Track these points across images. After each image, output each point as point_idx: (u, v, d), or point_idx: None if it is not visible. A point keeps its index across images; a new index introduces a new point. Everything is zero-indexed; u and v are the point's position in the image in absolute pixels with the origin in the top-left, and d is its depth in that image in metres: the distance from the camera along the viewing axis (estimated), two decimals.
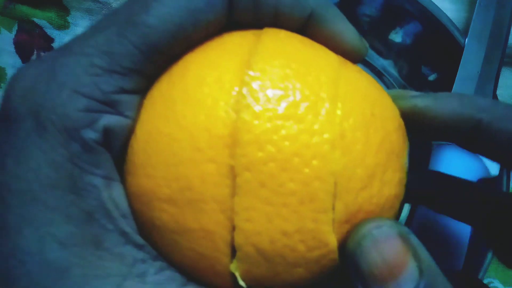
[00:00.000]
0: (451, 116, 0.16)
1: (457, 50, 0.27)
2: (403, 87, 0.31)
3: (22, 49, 0.30)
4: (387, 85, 0.31)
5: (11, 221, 0.13)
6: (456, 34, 0.27)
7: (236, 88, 0.13)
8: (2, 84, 0.31)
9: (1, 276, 0.13)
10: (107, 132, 0.14)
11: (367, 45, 0.17)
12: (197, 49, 0.15)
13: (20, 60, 0.30)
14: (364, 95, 0.15)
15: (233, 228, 0.13)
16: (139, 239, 0.14)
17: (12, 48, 0.30)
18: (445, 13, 0.27)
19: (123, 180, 0.15)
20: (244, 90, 0.13)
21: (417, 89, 0.31)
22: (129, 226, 0.14)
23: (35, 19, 0.30)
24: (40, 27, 0.30)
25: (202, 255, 0.14)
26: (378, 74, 0.31)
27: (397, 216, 0.16)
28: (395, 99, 0.16)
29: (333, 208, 0.13)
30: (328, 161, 0.13)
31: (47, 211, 0.13)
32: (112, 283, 0.13)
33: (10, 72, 0.30)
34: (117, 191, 0.14)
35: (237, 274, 0.14)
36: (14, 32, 0.30)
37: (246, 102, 0.13)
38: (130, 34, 0.14)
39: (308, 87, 0.14)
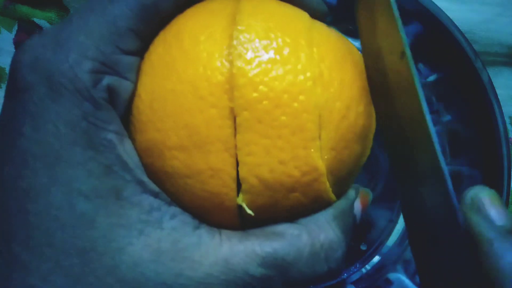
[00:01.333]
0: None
1: (457, 50, 0.27)
2: None
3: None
4: None
5: (38, 182, 0.14)
6: (457, 34, 0.27)
7: (227, 41, 0.15)
8: (2, 84, 0.31)
9: (40, 231, 0.14)
10: (110, 92, 0.15)
11: (326, 7, 0.20)
12: (184, 14, 0.17)
13: None
14: (334, 41, 0.17)
15: (237, 164, 0.15)
16: (154, 187, 0.16)
17: (12, 48, 0.30)
18: (445, 13, 0.27)
19: (131, 141, 0.16)
20: (235, 42, 0.15)
21: None
22: (144, 175, 0.16)
23: (35, 19, 0.30)
24: (40, 27, 0.30)
25: (212, 193, 0.15)
26: None
27: (369, 147, 0.19)
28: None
29: (320, 137, 0.16)
30: (312, 95, 0.15)
31: (71, 169, 0.14)
32: (134, 231, 0.15)
33: None
34: (129, 145, 0.16)
35: (244, 205, 0.15)
36: (14, 32, 0.30)
37: (237, 52, 0.15)
38: None
39: (288, 35, 0.16)
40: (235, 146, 0.15)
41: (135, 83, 0.16)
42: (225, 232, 0.16)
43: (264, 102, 0.15)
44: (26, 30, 0.30)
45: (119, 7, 0.15)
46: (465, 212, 0.15)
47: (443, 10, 0.27)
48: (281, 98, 0.15)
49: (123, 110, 0.16)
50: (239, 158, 0.15)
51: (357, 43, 0.31)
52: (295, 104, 0.15)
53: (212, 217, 0.16)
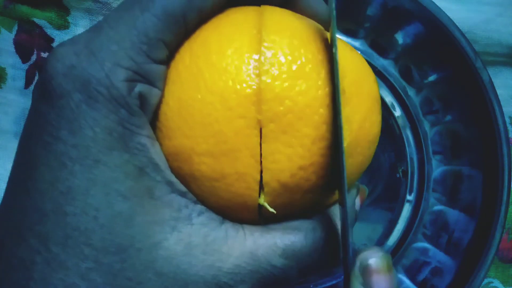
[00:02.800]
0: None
1: (457, 50, 0.27)
2: (403, 87, 0.31)
3: (22, 49, 0.30)
4: (387, 85, 0.31)
5: (76, 184, 0.15)
6: (457, 34, 0.27)
7: (254, 56, 0.16)
8: (2, 85, 0.31)
9: (79, 232, 0.15)
10: (141, 99, 0.16)
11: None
12: (208, 25, 0.18)
13: (20, 60, 0.30)
14: (350, 57, 0.19)
15: (261, 169, 0.16)
16: (182, 187, 0.17)
17: (12, 48, 0.30)
18: (445, 13, 0.27)
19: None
20: (262, 58, 0.16)
21: (417, 89, 0.31)
22: (173, 176, 0.17)
23: (35, 19, 0.30)
24: (40, 27, 0.30)
25: (236, 194, 0.17)
26: (378, 74, 0.31)
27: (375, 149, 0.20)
28: None
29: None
30: (331, 109, 0.17)
31: (109, 171, 0.15)
32: (167, 227, 0.16)
33: (10, 72, 0.30)
34: (159, 149, 0.17)
35: (266, 205, 0.17)
36: (14, 32, 0.30)
37: (265, 68, 0.16)
38: (151, 7, 0.16)
39: (310, 52, 0.17)
40: (260, 153, 0.16)
41: (162, 91, 0.17)
42: (247, 227, 0.17)
43: (289, 115, 0.16)
44: (26, 30, 0.30)
45: (149, 17, 0.16)
46: (351, 276, 0.17)
47: (443, 10, 0.27)
48: (304, 112, 0.16)
49: (151, 116, 0.17)
50: (263, 165, 0.16)
51: (357, 43, 0.31)
52: (316, 117, 0.16)
53: (234, 214, 0.17)
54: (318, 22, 0.20)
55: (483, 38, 0.30)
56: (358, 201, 0.22)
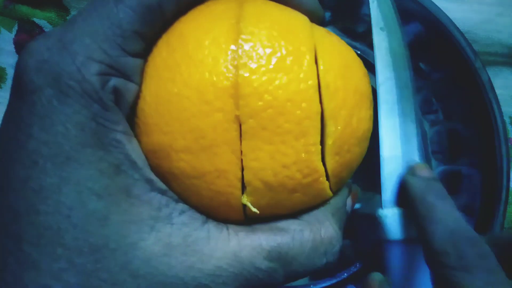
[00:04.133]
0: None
1: (457, 50, 0.27)
2: None
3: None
4: None
5: (49, 182, 0.14)
6: (457, 34, 0.27)
7: (232, 47, 0.16)
8: (2, 85, 0.31)
9: (51, 231, 0.14)
10: (116, 94, 0.15)
11: (323, 12, 0.20)
12: (186, 17, 0.17)
13: None
14: (337, 50, 0.18)
15: (242, 167, 0.16)
16: (162, 185, 0.16)
17: (12, 48, 0.30)
18: (445, 13, 0.27)
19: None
20: (240, 51, 0.15)
21: (417, 89, 0.31)
22: (152, 174, 0.16)
23: (35, 19, 0.30)
24: (40, 27, 0.30)
25: (218, 192, 0.16)
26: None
27: (367, 147, 0.20)
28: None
29: (323, 143, 0.17)
30: (314, 103, 0.16)
31: (82, 168, 0.15)
32: (146, 227, 0.15)
33: (10, 72, 0.30)
34: (136, 145, 0.16)
35: (248, 204, 0.16)
36: (14, 32, 0.30)
37: (242, 61, 0.15)
38: (126, 0, 0.15)
39: (291, 43, 0.16)
40: (240, 149, 0.15)
41: (140, 85, 0.17)
42: (232, 227, 0.17)
43: (269, 110, 0.15)
44: (26, 30, 0.30)
45: (124, 9, 0.15)
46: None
47: (443, 10, 0.27)
48: (285, 106, 0.15)
49: (128, 111, 0.16)
50: (244, 163, 0.16)
51: (356, 43, 0.31)
52: (298, 112, 0.16)
53: (218, 213, 0.17)
54: (304, 13, 0.19)
55: (483, 38, 0.30)
56: (349, 202, 0.21)
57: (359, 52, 0.30)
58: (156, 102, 0.16)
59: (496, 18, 0.30)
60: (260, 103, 0.15)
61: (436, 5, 0.27)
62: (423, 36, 0.28)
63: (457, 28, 0.27)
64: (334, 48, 0.18)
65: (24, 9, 0.29)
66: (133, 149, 0.16)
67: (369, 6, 0.23)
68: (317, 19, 0.19)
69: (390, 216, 0.22)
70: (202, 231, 0.16)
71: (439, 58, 0.29)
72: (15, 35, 0.30)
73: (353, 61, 0.18)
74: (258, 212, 0.16)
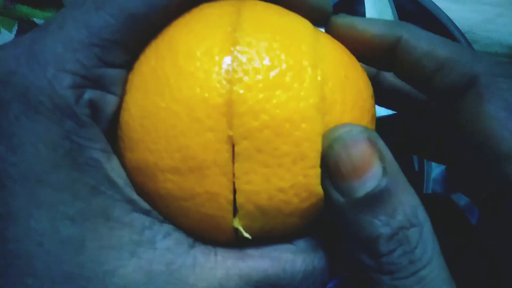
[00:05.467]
0: (378, 33, 0.17)
1: None
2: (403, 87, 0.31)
3: None
4: None
5: (17, 206, 0.13)
6: (456, 34, 0.27)
7: (226, 59, 0.14)
8: None
9: (21, 260, 0.13)
10: (93, 107, 0.14)
11: (331, 5, 0.19)
12: (178, 21, 0.16)
13: None
14: (339, 59, 0.17)
15: (234, 189, 0.14)
16: (145, 205, 0.15)
17: None
18: (445, 13, 0.27)
19: (120, 157, 0.15)
20: (235, 65, 0.14)
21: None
22: (134, 193, 0.15)
23: (35, 19, 0.30)
24: None
25: (208, 215, 0.15)
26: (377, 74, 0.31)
27: None
28: (336, 17, 0.18)
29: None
30: (315, 123, 0.15)
31: (54, 191, 0.13)
32: (126, 252, 0.14)
33: None
34: (116, 163, 0.15)
35: (241, 229, 0.15)
36: (14, 32, 0.30)
37: (237, 76, 0.14)
38: (107, 5, 0.14)
39: (292, 57, 0.15)
40: (233, 171, 0.14)
41: (122, 96, 0.15)
42: (220, 252, 0.15)
43: (265, 131, 0.14)
44: (26, 30, 0.30)
45: (104, 16, 0.14)
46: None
47: (443, 10, 0.27)
48: (282, 127, 0.14)
49: (107, 125, 0.15)
50: (236, 186, 0.14)
51: None
52: (297, 133, 0.14)
53: (207, 235, 0.16)
54: (312, 11, 0.17)
55: (483, 38, 0.30)
56: None
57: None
58: (141, 116, 0.15)
59: (496, 18, 0.30)
60: (256, 123, 0.14)
61: (436, 5, 0.27)
62: None
63: (457, 28, 0.27)
64: (335, 57, 0.17)
65: (24, 9, 0.30)
66: (112, 167, 0.14)
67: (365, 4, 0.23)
68: (325, 15, 0.18)
69: None
70: (188, 257, 0.15)
71: None
72: (15, 35, 0.30)
73: (354, 70, 0.17)
74: (250, 237, 0.15)
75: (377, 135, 0.14)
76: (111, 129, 0.15)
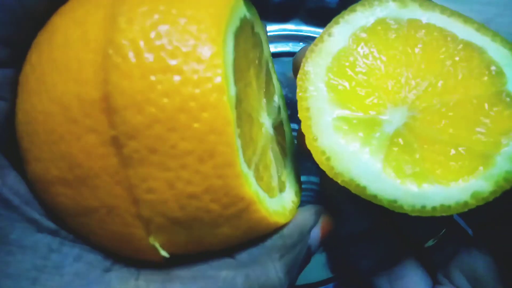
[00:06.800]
0: None
1: None
2: None
3: None
4: None
5: None
6: None
7: (102, 43, 0.12)
8: None
9: None
10: None
11: None
12: (63, 8, 0.13)
13: None
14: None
15: (135, 200, 0.12)
16: (50, 224, 0.13)
17: None
18: None
19: (23, 166, 0.14)
20: (111, 48, 0.11)
21: None
22: (36, 212, 0.13)
23: None
24: None
25: (115, 232, 0.13)
26: None
27: None
28: None
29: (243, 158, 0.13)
30: (221, 110, 0.11)
31: None
32: (26, 280, 0.12)
33: None
34: (12, 178, 0.13)
35: (157, 246, 0.13)
36: None
37: (113, 61, 0.11)
38: None
39: (184, 31, 0.12)
40: (128, 178, 0.12)
41: (13, 99, 0.13)
42: (144, 275, 0.13)
43: (155, 127, 0.11)
44: None
45: None
46: None
47: None
48: (176, 119, 0.11)
49: (2, 134, 0.13)
50: (137, 196, 0.12)
51: None
52: (196, 125, 0.12)
53: (129, 254, 0.14)
54: None
55: None
56: (317, 232, 0.16)
57: None
58: (25, 122, 0.13)
59: (496, 18, 0.30)
60: (140, 117, 0.11)
61: None
62: None
63: None
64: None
65: None
66: (5, 184, 0.12)
67: None
68: None
69: None
70: (101, 284, 0.12)
71: None
72: None
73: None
74: (168, 256, 0.13)
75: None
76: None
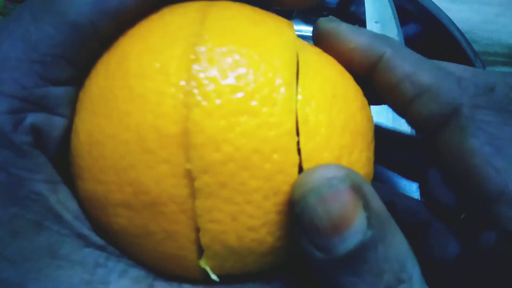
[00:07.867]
0: (361, 45, 0.15)
1: (457, 50, 0.27)
2: None
3: None
4: None
5: None
6: (456, 34, 0.27)
7: (183, 79, 0.12)
8: None
9: None
10: (37, 133, 0.13)
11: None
12: (134, 31, 0.14)
13: None
14: (325, 76, 0.14)
15: (197, 227, 0.13)
16: (98, 240, 0.13)
17: None
18: (445, 13, 0.27)
19: (73, 183, 0.14)
20: (193, 85, 0.12)
21: None
22: (85, 227, 0.13)
23: None
24: None
25: (167, 254, 0.13)
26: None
27: None
28: (322, 21, 0.16)
29: None
30: (289, 153, 0.12)
31: None
32: None
33: None
34: (64, 194, 0.13)
35: (208, 269, 0.13)
36: None
37: (195, 99, 0.12)
38: (47, 14, 0.12)
39: (262, 75, 0.13)
40: (194, 208, 0.12)
41: (72, 117, 0.14)
42: None
43: (229, 165, 0.12)
44: None
45: (44, 28, 0.12)
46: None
47: (443, 10, 0.27)
48: (249, 159, 0.12)
49: (55, 150, 0.13)
50: (199, 225, 0.13)
51: None
52: (268, 165, 0.12)
53: (172, 272, 0.14)
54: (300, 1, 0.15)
55: (483, 38, 0.30)
56: None
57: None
58: (89, 142, 0.13)
59: (496, 18, 0.30)
60: (216, 155, 0.12)
61: (436, 5, 0.27)
62: (423, 36, 0.28)
63: (457, 28, 0.27)
64: (320, 72, 0.14)
65: None
66: (58, 200, 0.13)
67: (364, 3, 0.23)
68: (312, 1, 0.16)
69: None
70: None
71: (439, 58, 0.29)
72: None
73: (346, 88, 0.15)
74: (218, 280, 0.13)
75: (362, 178, 0.12)
76: (64, 151, 0.14)
